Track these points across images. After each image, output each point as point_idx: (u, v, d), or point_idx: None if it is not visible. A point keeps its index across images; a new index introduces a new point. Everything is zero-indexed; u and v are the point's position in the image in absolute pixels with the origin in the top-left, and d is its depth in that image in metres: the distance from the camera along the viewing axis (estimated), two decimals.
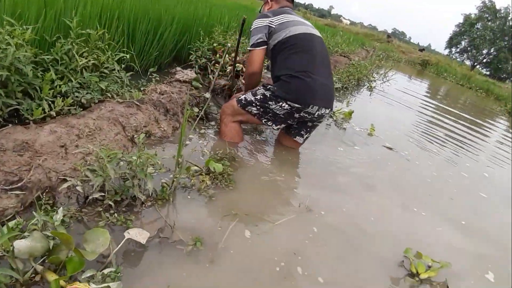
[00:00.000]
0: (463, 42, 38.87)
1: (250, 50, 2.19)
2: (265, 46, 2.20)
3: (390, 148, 3.13)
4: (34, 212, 1.07)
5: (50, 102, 1.62)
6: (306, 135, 2.40)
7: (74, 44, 1.84)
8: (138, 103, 1.93)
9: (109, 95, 1.86)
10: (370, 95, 5.76)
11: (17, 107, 1.52)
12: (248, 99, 2.20)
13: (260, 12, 2.48)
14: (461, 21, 38.30)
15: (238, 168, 1.95)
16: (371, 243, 1.64)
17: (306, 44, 2.17)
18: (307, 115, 2.19)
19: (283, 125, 2.29)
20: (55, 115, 1.59)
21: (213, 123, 2.49)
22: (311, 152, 2.51)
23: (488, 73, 36.70)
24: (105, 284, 0.95)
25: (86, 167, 1.29)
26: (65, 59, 1.84)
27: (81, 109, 1.70)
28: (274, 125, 2.24)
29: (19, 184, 1.21)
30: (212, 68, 3.33)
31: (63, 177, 1.37)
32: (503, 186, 3.10)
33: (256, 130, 2.63)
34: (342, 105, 4.10)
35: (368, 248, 1.59)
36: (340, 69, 6.19)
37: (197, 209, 1.51)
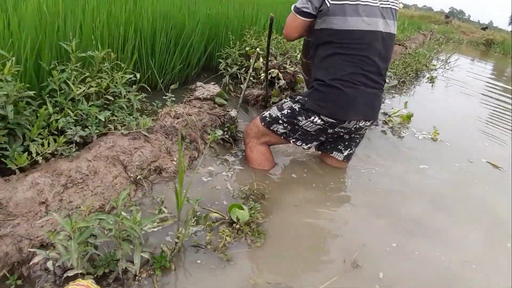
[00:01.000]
0: None
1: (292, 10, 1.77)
2: (309, 20, 1.74)
3: (496, 166, 2.46)
4: None
5: (41, 144, 1.38)
6: (347, 151, 1.96)
7: (71, 70, 1.59)
8: (146, 133, 1.63)
9: (112, 127, 1.59)
10: (432, 86, 4.99)
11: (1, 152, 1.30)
12: (274, 116, 1.81)
13: None
14: None
15: (269, 209, 1.56)
16: None
17: (362, 45, 1.67)
18: (342, 130, 1.79)
19: (315, 143, 1.90)
20: (44, 160, 1.34)
21: (243, 146, 2.11)
22: (365, 174, 2.03)
23: None
24: None
25: (58, 237, 1.00)
26: (64, 89, 1.61)
27: (76, 148, 1.44)
28: (304, 144, 1.85)
29: None
30: (244, 76, 2.97)
31: (39, 244, 1.11)
32: None
33: (289, 146, 2.20)
34: (399, 106, 3.48)
35: None
36: (395, 61, 5.45)
37: (207, 282, 1.15)
